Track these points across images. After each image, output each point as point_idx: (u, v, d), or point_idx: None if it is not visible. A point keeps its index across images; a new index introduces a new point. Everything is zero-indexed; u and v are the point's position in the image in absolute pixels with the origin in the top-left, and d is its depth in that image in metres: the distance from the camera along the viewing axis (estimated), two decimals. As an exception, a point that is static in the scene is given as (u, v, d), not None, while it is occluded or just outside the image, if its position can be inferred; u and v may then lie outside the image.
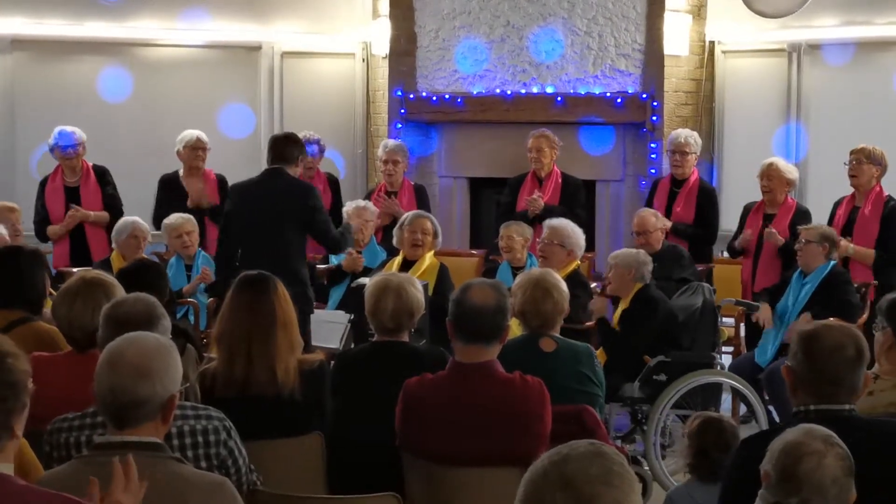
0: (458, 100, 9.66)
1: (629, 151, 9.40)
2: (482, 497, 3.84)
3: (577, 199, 8.55)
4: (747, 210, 8.00)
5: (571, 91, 9.38)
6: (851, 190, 7.62)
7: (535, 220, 8.02)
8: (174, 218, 7.89)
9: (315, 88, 10.49)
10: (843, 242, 7.29)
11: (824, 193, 8.35)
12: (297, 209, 6.69)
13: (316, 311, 6.69)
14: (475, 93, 9.66)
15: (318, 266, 7.70)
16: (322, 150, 9.04)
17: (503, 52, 9.59)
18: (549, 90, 9.43)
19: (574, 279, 6.61)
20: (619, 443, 5.97)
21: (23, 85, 9.71)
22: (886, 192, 7.52)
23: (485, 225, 9.82)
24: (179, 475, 2.89)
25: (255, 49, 10.31)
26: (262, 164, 7.39)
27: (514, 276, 5.54)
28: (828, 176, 8.52)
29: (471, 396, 3.88)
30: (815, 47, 9.18)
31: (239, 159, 9.62)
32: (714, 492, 3.48)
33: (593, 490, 2.11)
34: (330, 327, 6.34)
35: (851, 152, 7.57)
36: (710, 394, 6.35)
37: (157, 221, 8.15)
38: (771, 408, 6.57)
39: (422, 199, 8.76)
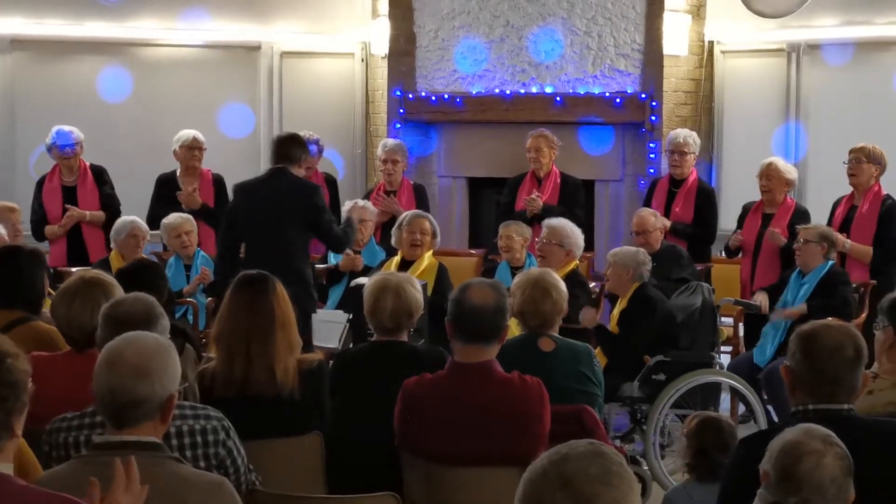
0: (458, 100, 9.65)
1: (628, 151, 9.40)
2: (481, 497, 3.84)
3: (576, 198, 8.54)
4: (746, 210, 8.00)
5: (571, 91, 9.37)
6: (851, 190, 7.62)
7: (534, 220, 8.02)
8: (173, 218, 7.89)
9: (314, 88, 10.49)
10: (841, 238, 7.30)
11: (823, 193, 8.35)
12: (302, 208, 6.70)
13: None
14: (474, 93, 9.66)
15: (316, 266, 7.70)
16: (321, 150, 9.03)
17: (502, 52, 9.59)
18: (549, 90, 9.42)
19: (573, 279, 6.60)
20: (618, 442, 5.98)
21: (23, 85, 9.70)
22: (885, 192, 7.53)
23: (484, 225, 9.81)
24: (178, 475, 2.89)
25: (254, 49, 10.30)
26: (262, 164, 7.40)
27: (513, 275, 5.54)
28: (827, 176, 8.51)
29: (470, 396, 3.88)
30: (814, 47, 9.17)
31: (238, 159, 9.62)
32: (713, 492, 3.48)
33: (592, 490, 2.11)
34: (329, 327, 6.35)
35: (851, 151, 7.56)
36: (709, 393, 6.35)
37: (150, 220, 8.14)
38: (770, 407, 6.58)
39: (421, 198, 8.76)
